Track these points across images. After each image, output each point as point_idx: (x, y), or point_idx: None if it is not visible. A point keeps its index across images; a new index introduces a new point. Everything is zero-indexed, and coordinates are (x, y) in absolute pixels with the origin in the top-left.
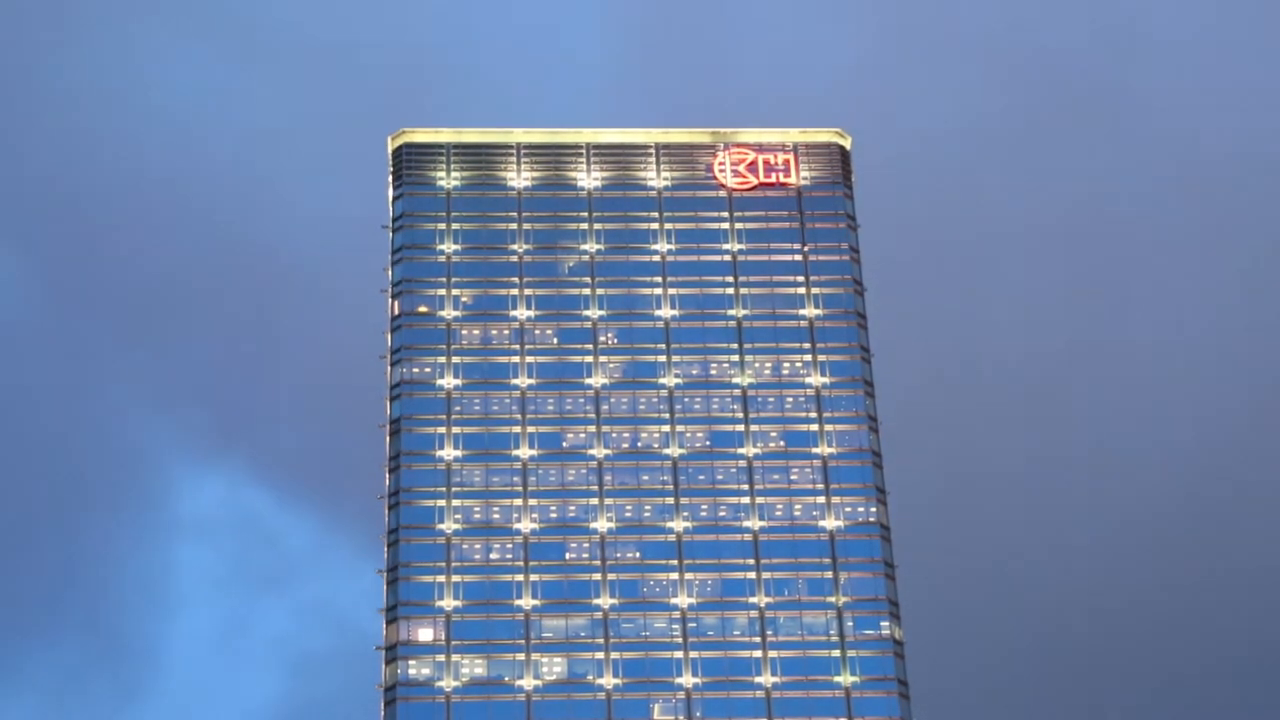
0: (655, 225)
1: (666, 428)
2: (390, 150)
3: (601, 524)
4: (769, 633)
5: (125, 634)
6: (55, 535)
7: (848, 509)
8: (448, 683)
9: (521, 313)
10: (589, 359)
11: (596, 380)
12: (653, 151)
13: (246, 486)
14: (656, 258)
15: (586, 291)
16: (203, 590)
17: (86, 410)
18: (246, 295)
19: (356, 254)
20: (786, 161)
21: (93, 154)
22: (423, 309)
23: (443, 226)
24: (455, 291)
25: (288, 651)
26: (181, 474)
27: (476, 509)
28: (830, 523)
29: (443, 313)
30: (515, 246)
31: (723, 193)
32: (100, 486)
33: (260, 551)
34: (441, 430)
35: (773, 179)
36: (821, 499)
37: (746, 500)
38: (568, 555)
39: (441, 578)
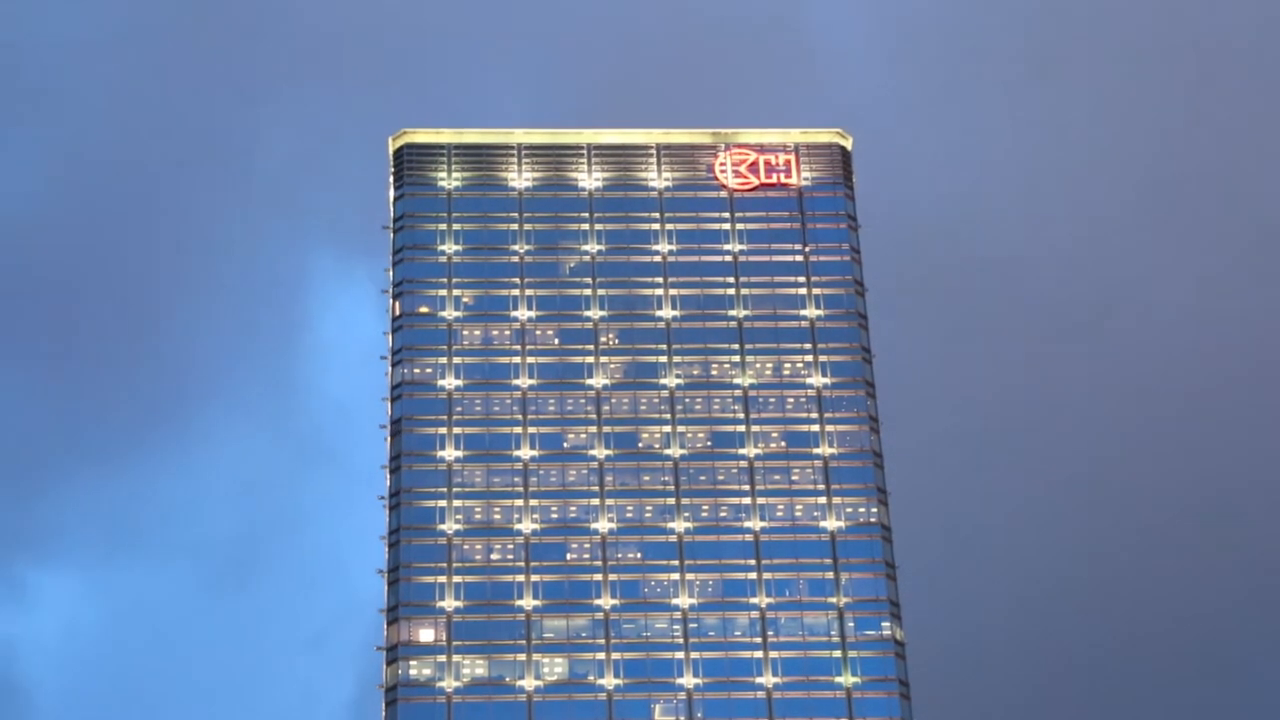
0: (656, 226)
1: (667, 428)
2: (391, 151)
3: (602, 524)
4: (770, 633)
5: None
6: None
7: (849, 509)
8: (449, 683)
9: (522, 313)
10: (590, 359)
11: (597, 380)
12: (653, 152)
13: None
14: (657, 258)
15: (587, 292)
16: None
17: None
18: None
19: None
20: (787, 162)
21: None
22: (423, 309)
23: (443, 227)
24: (456, 292)
25: None
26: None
27: (477, 509)
28: (831, 523)
29: (443, 313)
30: (516, 247)
31: (724, 193)
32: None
33: None
34: (442, 431)
35: (774, 179)
36: (822, 499)
37: (747, 501)
38: (569, 556)
39: (442, 578)
